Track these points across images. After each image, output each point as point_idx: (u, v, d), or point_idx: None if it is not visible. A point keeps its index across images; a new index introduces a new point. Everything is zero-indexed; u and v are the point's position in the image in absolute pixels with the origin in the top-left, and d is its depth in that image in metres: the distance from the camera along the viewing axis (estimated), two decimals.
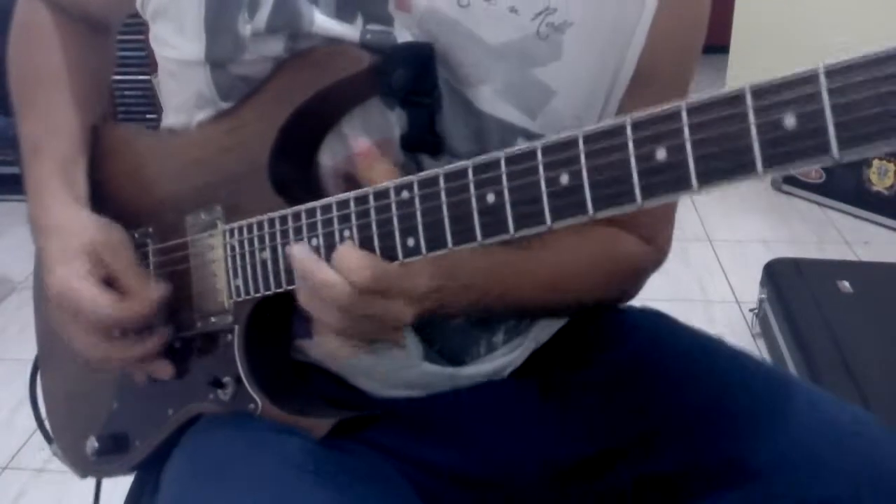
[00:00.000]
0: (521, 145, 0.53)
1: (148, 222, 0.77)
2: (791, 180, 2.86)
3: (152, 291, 0.72)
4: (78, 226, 0.74)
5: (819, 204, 2.79)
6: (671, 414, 0.73)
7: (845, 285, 1.93)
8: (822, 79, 0.41)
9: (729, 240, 2.59)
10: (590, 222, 0.50)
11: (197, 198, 0.73)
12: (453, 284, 0.64)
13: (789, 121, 0.42)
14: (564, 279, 0.73)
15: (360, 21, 0.65)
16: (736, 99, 0.44)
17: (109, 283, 0.72)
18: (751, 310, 2.13)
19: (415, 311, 0.61)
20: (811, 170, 2.78)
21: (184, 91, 0.72)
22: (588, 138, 0.50)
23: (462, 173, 0.56)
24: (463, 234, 0.56)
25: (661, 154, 0.46)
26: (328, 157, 0.69)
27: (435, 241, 0.57)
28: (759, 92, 0.43)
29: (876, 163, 2.62)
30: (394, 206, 0.59)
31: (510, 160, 0.53)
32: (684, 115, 0.45)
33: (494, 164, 0.54)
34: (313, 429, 0.69)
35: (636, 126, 0.47)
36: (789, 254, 2.17)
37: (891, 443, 0.67)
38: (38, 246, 0.76)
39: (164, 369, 0.75)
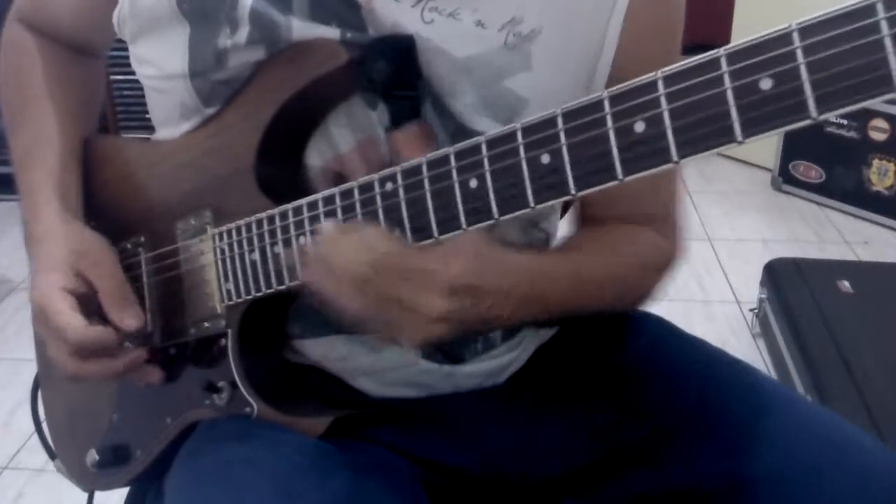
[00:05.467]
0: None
1: (140, 231, 0.77)
2: (791, 180, 2.86)
3: (125, 321, 0.71)
4: (63, 236, 0.73)
5: (819, 204, 2.79)
6: (670, 423, 0.72)
7: (845, 285, 1.93)
8: (796, 37, 0.41)
9: (729, 239, 2.58)
10: (572, 200, 0.50)
11: (186, 203, 0.73)
12: (492, 286, 0.59)
13: (765, 82, 0.42)
14: (603, 281, 0.70)
15: (336, 27, 0.65)
16: (711, 64, 0.44)
17: (90, 298, 0.71)
18: (751, 310, 2.12)
19: (447, 306, 0.56)
20: (812, 168, 2.78)
21: (167, 103, 0.72)
22: (567, 116, 0.50)
23: (444, 160, 0.55)
24: (448, 222, 0.56)
25: (639, 126, 0.46)
26: (316, 158, 0.68)
27: (421, 231, 0.57)
28: (735, 55, 0.43)
29: (876, 163, 2.62)
30: (378, 199, 0.59)
31: (491, 143, 0.53)
32: (660, 84, 0.45)
33: (476, 149, 0.54)
34: (309, 429, 0.68)
35: (614, 100, 0.47)
36: (789, 253, 2.16)
37: (888, 459, 0.66)
38: (28, 252, 0.76)
39: (152, 375, 0.74)
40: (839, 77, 0.39)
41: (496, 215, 0.54)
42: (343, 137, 0.68)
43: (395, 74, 0.64)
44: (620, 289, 0.73)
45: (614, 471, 0.73)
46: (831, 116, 0.40)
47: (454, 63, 0.65)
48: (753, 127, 0.42)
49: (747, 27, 2.91)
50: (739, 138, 0.43)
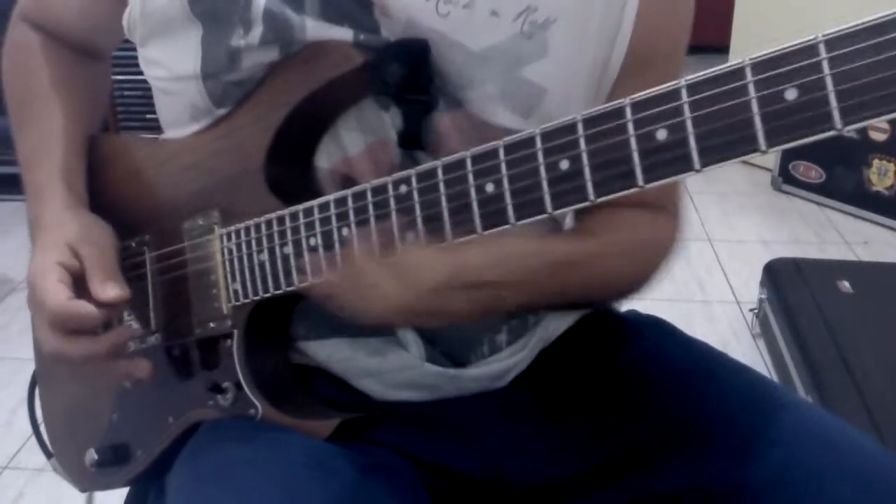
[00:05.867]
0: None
1: (146, 230, 0.77)
2: (791, 180, 2.86)
3: (106, 292, 0.70)
4: (69, 221, 0.74)
5: (819, 204, 2.79)
6: (672, 426, 0.72)
7: (845, 285, 1.93)
8: (822, 49, 0.41)
9: (729, 240, 2.58)
10: (592, 207, 0.50)
11: (194, 203, 0.73)
12: (508, 279, 0.60)
13: (790, 93, 0.42)
14: (612, 269, 0.70)
15: (348, 28, 0.65)
16: (736, 73, 0.43)
17: (82, 277, 0.71)
18: (751, 310, 2.12)
19: (411, 299, 0.58)
20: (812, 168, 2.78)
21: (176, 105, 0.72)
22: (587, 122, 0.49)
23: (460, 164, 0.55)
24: (462, 226, 0.55)
25: (661, 134, 0.46)
26: (325, 160, 0.68)
27: (434, 235, 0.57)
28: (760, 65, 0.43)
29: (876, 163, 2.62)
30: (392, 202, 0.59)
31: (509, 148, 0.53)
32: (684, 92, 0.45)
33: (493, 154, 0.54)
34: (316, 431, 0.68)
35: (636, 107, 0.47)
36: (789, 254, 2.17)
37: (889, 461, 0.66)
38: (33, 241, 0.76)
39: (142, 370, 0.73)
40: (865, 89, 0.40)
41: (512, 220, 0.53)
42: (353, 140, 0.68)
43: (408, 77, 0.63)
44: (634, 271, 0.72)
45: (617, 473, 0.73)
46: (857, 126, 0.40)
47: (470, 55, 0.64)
48: (778, 136, 0.42)
49: (747, 27, 2.92)
50: (763, 147, 0.43)
